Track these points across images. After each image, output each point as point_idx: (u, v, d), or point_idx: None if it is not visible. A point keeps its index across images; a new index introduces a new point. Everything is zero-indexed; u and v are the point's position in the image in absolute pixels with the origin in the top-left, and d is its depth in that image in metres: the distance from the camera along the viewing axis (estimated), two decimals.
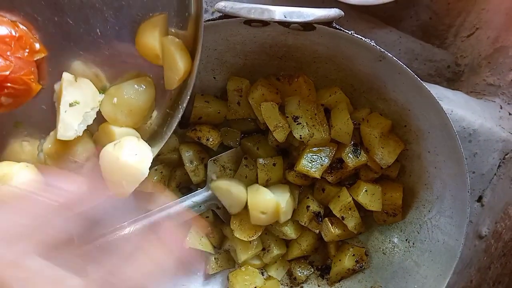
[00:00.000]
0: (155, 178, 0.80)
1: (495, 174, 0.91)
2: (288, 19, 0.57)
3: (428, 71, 1.13)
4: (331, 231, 0.81)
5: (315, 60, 0.74)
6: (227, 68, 0.78)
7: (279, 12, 0.56)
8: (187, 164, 0.82)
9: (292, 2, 0.89)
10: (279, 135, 0.76)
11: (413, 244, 0.79)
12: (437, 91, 0.94)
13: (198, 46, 0.60)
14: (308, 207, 0.81)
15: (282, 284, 0.87)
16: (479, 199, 0.92)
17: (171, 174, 0.84)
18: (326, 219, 0.82)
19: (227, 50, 0.74)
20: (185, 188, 0.85)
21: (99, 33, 0.56)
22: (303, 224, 0.81)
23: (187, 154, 0.82)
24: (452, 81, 1.12)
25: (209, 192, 0.81)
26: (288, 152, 0.84)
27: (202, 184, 0.83)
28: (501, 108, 0.97)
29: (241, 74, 0.79)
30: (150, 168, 0.79)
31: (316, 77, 0.78)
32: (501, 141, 0.89)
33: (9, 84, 0.54)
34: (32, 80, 0.55)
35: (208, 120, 0.81)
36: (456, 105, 0.90)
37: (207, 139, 0.79)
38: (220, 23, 0.65)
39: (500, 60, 1.03)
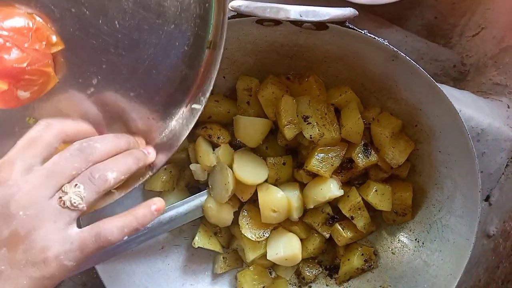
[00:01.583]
0: (164, 177, 0.80)
1: (503, 174, 0.91)
2: (304, 18, 0.56)
3: (434, 71, 1.12)
4: (344, 236, 0.81)
5: (326, 59, 0.74)
6: (237, 67, 0.78)
7: (294, 11, 0.56)
8: (194, 163, 0.82)
9: (301, 1, 0.89)
10: (289, 132, 0.76)
11: (423, 243, 0.79)
12: (444, 91, 0.94)
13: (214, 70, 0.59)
14: (323, 210, 0.81)
15: (290, 284, 0.87)
16: (487, 198, 0.92)
17: (180, 173, 0.84)
18: (337, 224, 0.82)
19: (238, 49, 0.74)
20: (194, 187, 0.85)
21: (117, 25, 0.55)
22: (315, 226, 0.81)
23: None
24: (458, 80, 1.12)
25: None
26: (297, 152, 0.84)
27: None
28: (508, 107, 0.97)
29: (251, 74, 0.79)
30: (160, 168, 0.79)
31: (327, 76, 0.78)
32: (509, 141, 0.89)
33: (26, 76, 0.53)
34: (50, 72, 0.54)
35: (217, 120, 0.80)
36: (464, 104, 0.90)
37: (218, 137, 0.79)
38: (232, 22, 0.65)
39: (506, 59, 1.03)
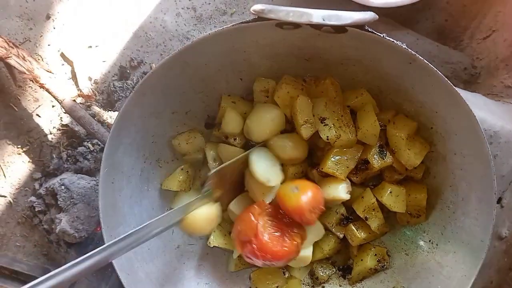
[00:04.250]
0: (181, 177, 0.81)
1: None
2: (327, 22, 0.57)
3: (445, 73, 1.12)
4: (357, 236, 0.82)
5: (343, 62, 0.75)
6: (254, 69, 0.79)
7: (317, 16, 0.57)
8: (210, 162, 0.83)
9: (306, 4, 0.90)
10: (306, 132, 0.76)
11: (437, 245, 0.80)
12: None
13: None
14: (337, 210, 0.82)
15: (303, 284, 0.88)
16: (499, 200, 0.92)
17: (196, 173, 0.85)
18: (351, 224, 0.83)
19: (256, 52, 0.74)
20: None
21: None
22: (330, 226, 0.82)
23: (211, 153, 0.83)
24: (468, 83, 1.13)
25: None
26: (312, 152, 0.84)
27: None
28: None
29: (268, 76, 0.80)
30: (177, 168, 0.81)
31: (343, 78, 0.78)
32: None
33: None
34: None
35: None
36: (476, 107, 0.90)
37: (234, 139, 0.80)
38: (252, 26, 0.65)
39: None
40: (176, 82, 0.74)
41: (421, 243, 0.83)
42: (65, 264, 1.10)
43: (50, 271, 1.04)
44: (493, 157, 0.88)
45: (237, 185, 0.83)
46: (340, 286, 0.87)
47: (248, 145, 0.83)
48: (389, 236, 0.86)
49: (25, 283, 1.05)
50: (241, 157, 0.79)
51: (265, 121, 0.79)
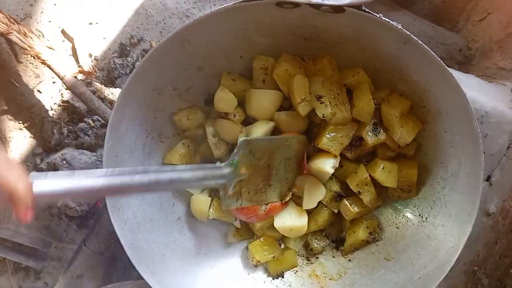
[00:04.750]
0: (182, 151, 0.84)
1: (504, 155, 0.95)
2: (325, 1, 0.59)
3: (440, 54, 1.15)
4: (351, 210, 0.85)
5: (341, 41, 0.77)
6: (254, 47, 0.81)
7: None
8: (210, 137, 0.85)
9: None
10: (303, 109, 0.79)
11: (426, 218, 0.83)
12: None
13: None
14: (330, 188, 0.85)
15: (298, 255, 0.92)
16: (488, 178, 0.96)
17: (196, 148, 0.87)
18: (345, 200, 0.86)
19: (256, 30, 0.76)
20: (209, 162, 0.88)
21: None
22: (324, 203, 0.85)
23: (211, 129, 0.86)
24: (463, 64, 1.15)
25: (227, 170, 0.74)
26: (309, 128, 0.87)
27: (224, 159, 0.87)
28: (511, 91, 1.00)
29: (267, 54, 0.82)
30: (178, 143, 0.83)
31: (340, 58, 0.80)
32: None
33: None
34: None
35: None
36: (469, 87, 0.92)
37: (234, 115, 0.82)
38: (252, 4, 0.67)
39: (511, 44, 1.05)
40: (177, 59, 0.76)
41: (412, 217, 0.86)
42: (66, 238, 1.14)
43: (51, 243, 1.09)
44: (483, 136, 0.92)
45: (266, 181, 0.79)
46: (333, 257, 0.91)
47: (247, 121, 0.86)
48: (381, 210, 0.90)
49: (27, 254, 1.08)
50: (276, 138, 0.81)
51: (265, 104, 0.82)
